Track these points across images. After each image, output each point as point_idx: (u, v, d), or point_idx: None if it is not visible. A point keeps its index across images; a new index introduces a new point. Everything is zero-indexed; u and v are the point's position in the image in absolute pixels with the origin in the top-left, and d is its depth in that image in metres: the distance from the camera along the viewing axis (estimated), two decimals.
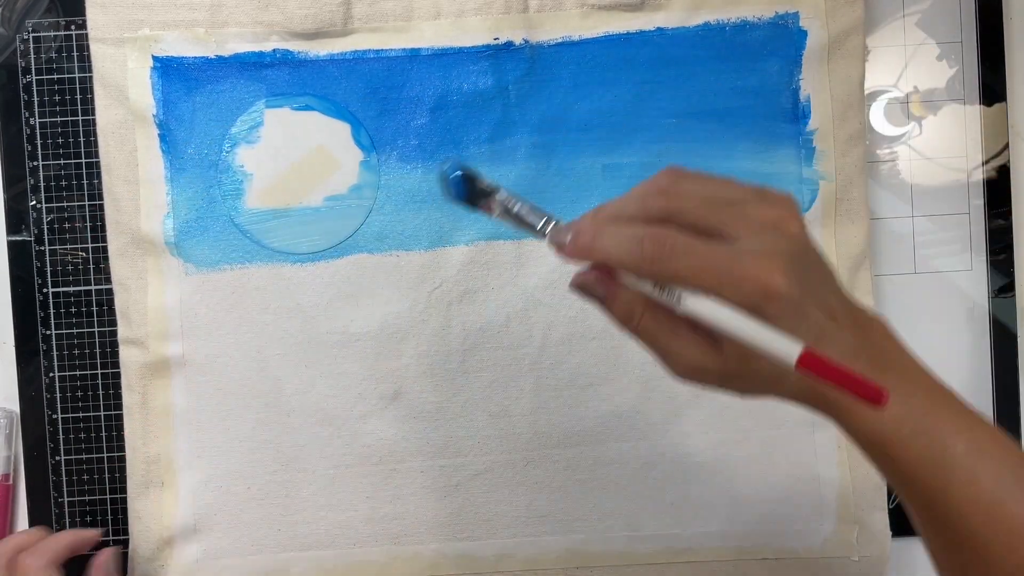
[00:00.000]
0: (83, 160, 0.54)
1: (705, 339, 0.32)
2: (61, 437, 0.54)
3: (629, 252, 0.31)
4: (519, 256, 0.53)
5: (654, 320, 0.33)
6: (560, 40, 0.52)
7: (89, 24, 0.52)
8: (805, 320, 0.31)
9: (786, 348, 0.30)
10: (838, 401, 0.33)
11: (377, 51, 0.52)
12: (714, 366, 0.32)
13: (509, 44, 0.52)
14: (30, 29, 0.54)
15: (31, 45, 0.54)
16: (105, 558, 0.51)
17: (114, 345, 0.54)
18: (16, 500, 0.55)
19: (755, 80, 0.53)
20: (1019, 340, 0.55)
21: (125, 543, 0.54)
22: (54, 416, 0.54)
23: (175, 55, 0.52)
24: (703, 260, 0.30)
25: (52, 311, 0.54)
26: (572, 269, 0.53)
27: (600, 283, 0.34)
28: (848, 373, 0.29)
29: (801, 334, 0.30)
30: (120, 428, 0.54)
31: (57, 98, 0.54)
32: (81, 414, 0.54)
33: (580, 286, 0.34)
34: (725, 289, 0.30)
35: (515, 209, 0.35)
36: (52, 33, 0.54)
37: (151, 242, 0.52)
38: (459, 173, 0.35)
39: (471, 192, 0.36)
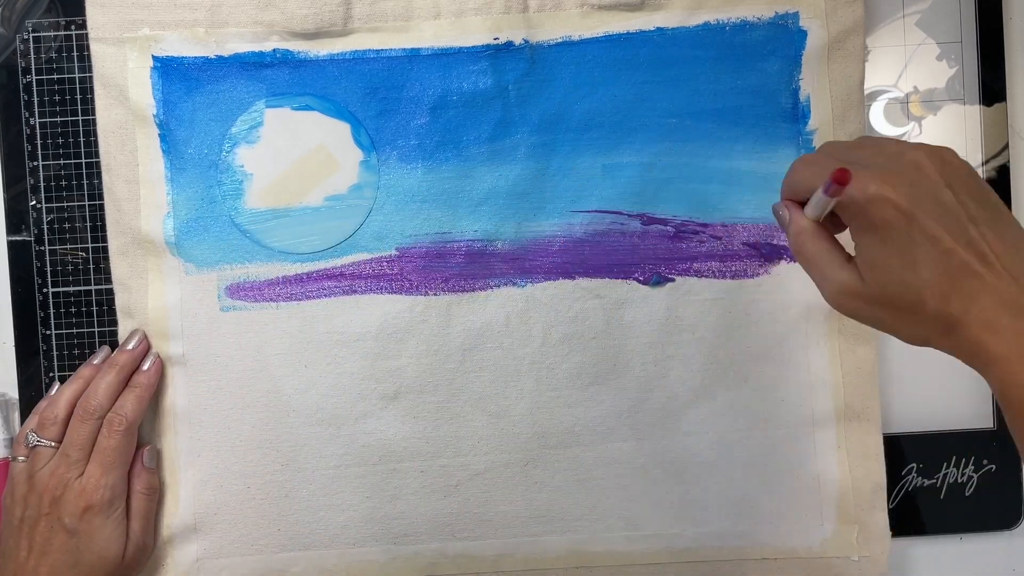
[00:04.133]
0: (83, 160, 0.54)
1: (852, 266, 0.37)
2: None
3: (793, 169, 0.39)
4: (518, 257, 0.53)
5: (814, 244, 0.38)
6: (560, 40, 0.52)
7: (89, 24, 0.52)
8: (913, 227, 0.34)
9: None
10: (993, 355, 0.34)
11: (377, 51, 0.52)
12: (858, 288, 0.36)
13: (509, 44, 0.52)
14: (30, 29, 0.54)
15: (31, 45, 0.54)
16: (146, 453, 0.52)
17: (114, 345, 0.54)
18: None
19: (755, 80, 0.53)
20: None
21: None
22: None
23: (175, 55, 0.52)
24: (821, 164, 0.37)
25: (52, 311, 0.54)
26: (575, 268, 0.52)
27: (785, 208, 0.40)
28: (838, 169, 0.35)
29: (912, 243, 0.34)
30: None
31: (57, 98, 0.54)
32: None
33: (774, 211, 0.41)
34: (839, 191, 0.35)
35: None
36: (52, 33, 0.54)
37: (151, 242, 0.52)
38: None
39: None
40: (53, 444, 0.49)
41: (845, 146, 0.39)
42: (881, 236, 0.35)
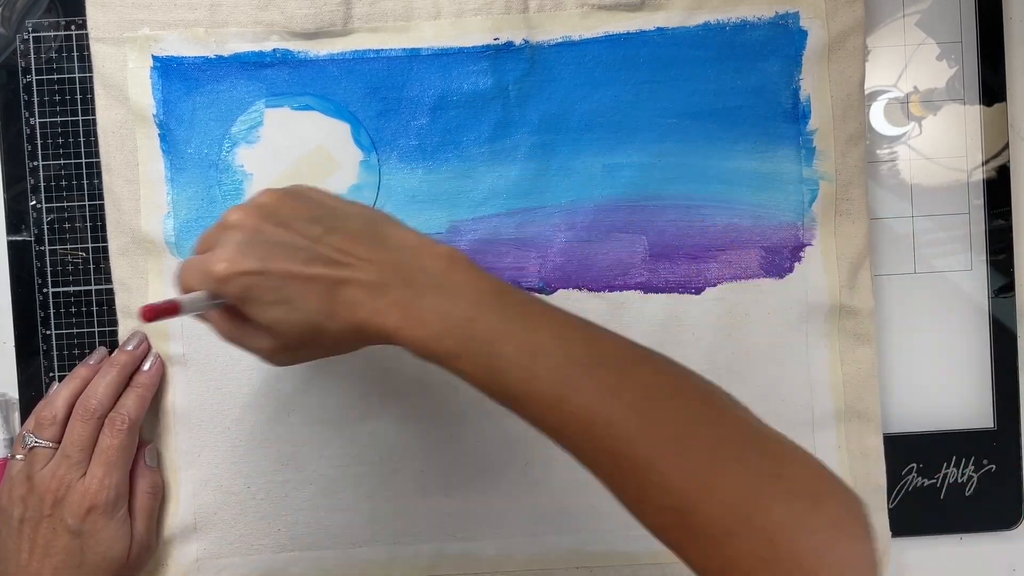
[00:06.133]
0: (83, 160, 0.54)
1: (264, 330, 0.38)
2: None
3: (179, 275, 0.40)
4: (518, 257, 0.53)
5: (228, 328, 0.39)
6: (560, 40, 0.52)
7: (89, 24, 0.52)
8: (270, 278, 0.37)
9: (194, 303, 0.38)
10: (391, 331, 0.36)
11: (377, 51, 0.52)
12: (277, 345, 0.38)
13: (509, 44, 0.52)
14: (30, 29, 0.54)
15: (31, 45, 0.54)
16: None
17: (114, 345, 0.54)
18: None
19: (755, 80, 0.53)
20: (1019, 340, 0.55)
21: None
22: None
23: (175, 55, 0.52)
24: (189, 270, 0.39)
25: (52, 311, 0.54)
26: (576, 268, 0.52)
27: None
28: (148, 306, 0.37)
29: (279, 290, 0.37)
30: None
31: (57, 98, 0.54)
32: None
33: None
34: (206, 285, 0.38)
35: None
36: (52, 33, 0.54)
37: (151, 242, 0.52)
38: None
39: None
40: (51, 445, 0.49)
41: (201, 239, 0.40)
42: (254, 300, 0.37)
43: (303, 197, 0.40)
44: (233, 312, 0.39)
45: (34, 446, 0.49)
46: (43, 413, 0.50)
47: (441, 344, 0.36)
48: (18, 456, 0.50)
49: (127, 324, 0.53)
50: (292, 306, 0.37)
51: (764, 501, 0.33)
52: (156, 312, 0.37)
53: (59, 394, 0.50)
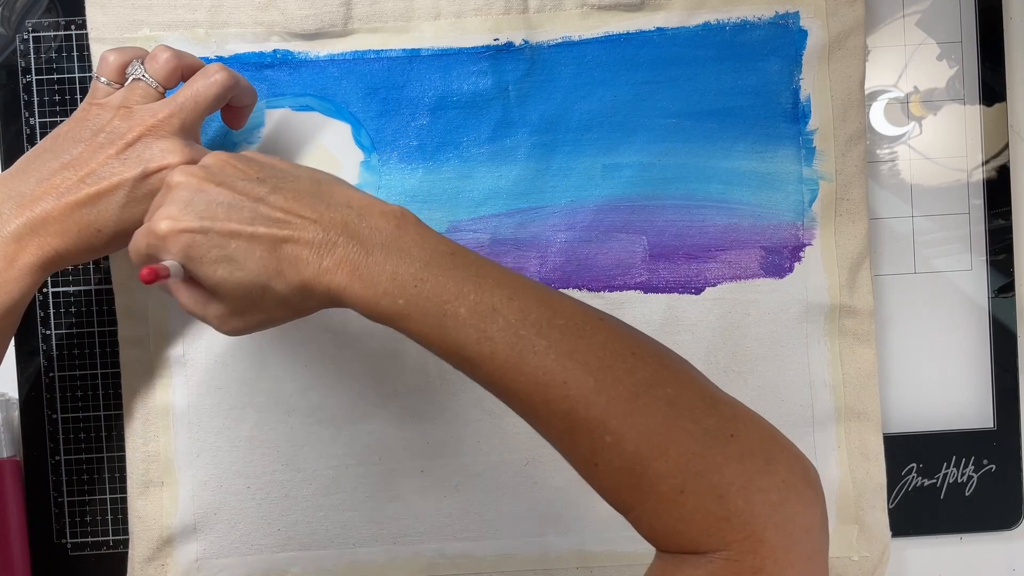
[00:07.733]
0: None
1: (215, 297, 0.38)
2: (61, 437, 0.54)
3: (133, 245, 0.40)
4: (518, 257, 0.53)
5: (183, 295, 0.39)
6: (560, 40, 0.52)
7: (89, 24, 0.52)
8: (212, 237, 0.37)
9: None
10: (338, 291, 0.36)
11: (377, 51, 0.52)
12: (226, 310, 0.38)
13: (509, 44, 0.52)
14: (30, 29, 0.54)
15: (31, 45, 0.54)
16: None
17: (114, 345, 0.54)
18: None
19: (755, 80, 0.53)
20: (1019, 340, 0.55)
21: (125, 543, 0.54)
22: (54, 416, 0.54)
23: None
24: (138, 234, 0.39)
25: (52, 311, 0.54)
26: (576, 268, 0.52)
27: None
28: (148, 268, 0.37)
29: (223, 249, 0.37)
30: (120, 428, 0.54)
31: (57, 98, 0.54)
32: (81, 414, 0.54)
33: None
34: (151, 247, 0.38)
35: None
36: (52, 33, 0.54)
37: None
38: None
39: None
40: (159, 87, 0.44)
41: (151, 205, 0.40)
42: (198, 260, 0.37)
43: (249, 159, 0.40)
44: (189, 280, 0.39)
45: (141, 79, 0.44)
46: (157, 52, 0.44)
47: (391, 304, 0.36)
48: (102, 79, 0.44)
49: (127, 324, 0.53)
50: (236, 265, 0.37)
51: (717, 459, 0.34)
52: (154, 273, 0.37)
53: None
